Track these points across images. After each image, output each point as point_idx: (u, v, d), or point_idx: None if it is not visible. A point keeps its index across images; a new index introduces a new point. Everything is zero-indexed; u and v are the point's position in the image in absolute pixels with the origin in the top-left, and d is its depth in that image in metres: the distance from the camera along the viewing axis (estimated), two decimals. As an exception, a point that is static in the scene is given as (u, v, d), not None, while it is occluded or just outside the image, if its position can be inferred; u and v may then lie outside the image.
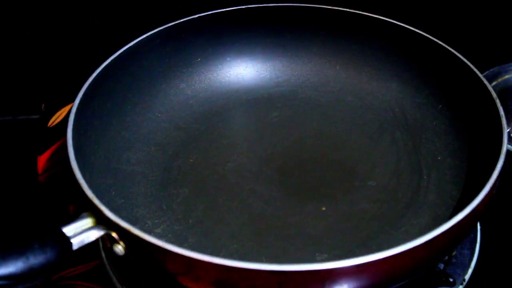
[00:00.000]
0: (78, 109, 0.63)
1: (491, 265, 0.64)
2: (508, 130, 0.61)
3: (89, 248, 0.53)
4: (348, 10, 0.76)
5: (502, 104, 0.62)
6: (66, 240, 0.52)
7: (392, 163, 0.70)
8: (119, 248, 0.53)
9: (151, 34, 0.73)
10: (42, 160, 0.76)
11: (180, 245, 0.61)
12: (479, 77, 0.66)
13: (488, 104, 0.63)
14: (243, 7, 0.77)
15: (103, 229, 0.53)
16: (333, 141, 0.72)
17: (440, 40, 0.71)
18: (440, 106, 0.72)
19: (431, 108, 0.73)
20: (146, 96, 0.74)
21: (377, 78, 0.78)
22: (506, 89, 0.66)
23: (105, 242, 0.54)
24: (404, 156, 0.70)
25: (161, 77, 0.76)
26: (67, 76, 0.88)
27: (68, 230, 0.52)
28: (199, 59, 0.78)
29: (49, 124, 0.81)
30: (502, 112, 0.62)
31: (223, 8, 0.76)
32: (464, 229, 0.58)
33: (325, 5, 0.76)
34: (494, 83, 0.66)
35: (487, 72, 0.67)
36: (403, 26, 0.74)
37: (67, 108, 0.82)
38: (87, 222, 0.53)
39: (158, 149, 0.71)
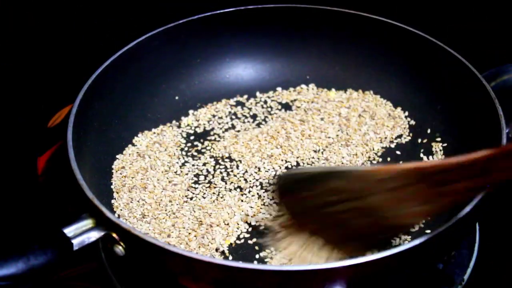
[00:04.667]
0: (78, 109, 0.63)
1: (489, 265, 0.65)
2: (507, 130, 0.61)
3: (89, 248, 0.54)
4: (347, 11, 0.76)
5: (501, 105, 0.62)
6: (67, 240, 0.52)
7: (391, 163, 0.70)
8: (120, 249, 0.54)
9: (151, 35, 0.74)
10: (42, 161, 0.76)
11: (180, 245, 0.61)
12: (478, 78, 0.66)
13: (487, 105, 0.63)
14: (242, 8, 0.77)
15: (103, 230, 0.53)
16: (332, 142, 0.72)
17: (440, 41, 0.71)
18: (439, 106, 0.73)
19: (430, 108, 0.73)
20: (146, 97, 0.75)
21: (376, 78, 0.78)
22: (505, 89, 0.66)
23: (105, 242, 0.54)
24: (403, 157, 0.70)
25: (161, 77, 0.76)
26: (67, 76, 0.88)
27: (68, 231, 0.52)
28: (198, 60, 0.78)
29: (49, 124, 0.81)
30: (501, 113, 0.62)
31: (223, 9, 0.76)
32: (463, 230, 0.58)
33: (324, 6, 0.77)
34: (493, 83, 0.66)
35: (486, 72, 0.67)
36: (402, 27, 0.74)
37: (67, 109, 0.82)
38: (88, 223, 0.53)
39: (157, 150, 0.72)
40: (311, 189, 0.53)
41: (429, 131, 0.72)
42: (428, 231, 0.62)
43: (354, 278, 0.52)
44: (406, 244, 0.51)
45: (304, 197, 0.54)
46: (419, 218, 0.52)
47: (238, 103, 0.78)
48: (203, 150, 0.72)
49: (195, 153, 0.72)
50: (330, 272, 0.50)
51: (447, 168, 0.47)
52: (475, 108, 0.66)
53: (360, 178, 0.51)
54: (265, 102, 0.78)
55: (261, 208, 0.65)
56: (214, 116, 0.76)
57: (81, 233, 0.53)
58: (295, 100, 0.78)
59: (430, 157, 0.70)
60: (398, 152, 0.71)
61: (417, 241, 0.51)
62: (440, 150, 0.70)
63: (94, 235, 0.53)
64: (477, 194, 0.49)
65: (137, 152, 0.70)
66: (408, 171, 0.48)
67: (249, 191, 0.67)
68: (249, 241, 0.62)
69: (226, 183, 0.68)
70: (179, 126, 0.75)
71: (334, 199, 0.52)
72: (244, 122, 0.76)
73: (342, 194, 0.51)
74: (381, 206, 0.50)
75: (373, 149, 0.71)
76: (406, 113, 0.75)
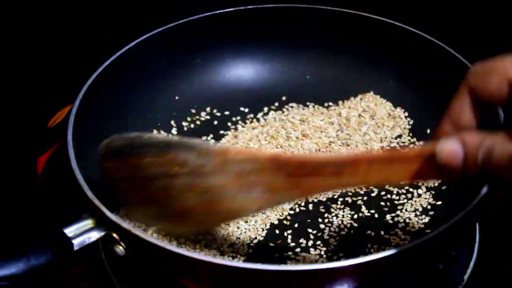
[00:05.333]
0: (78, 109, 0.63)
1: (490, 265, 0.65)
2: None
3: (89, 248, 0.54)
4: (347, 10, 0.76)
5: (501, 105, 0.62)
6: (67, 241, 0.52)
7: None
8: (120, 249, 0.54)
9: (151, 35, 0.74)
10: (42, 161, 0.76)
11: (180, 245, 0.61)
12: (478, 78, 0.66)
13: (487, 105, 0.63)
14: (242, 8, 0.77)
15: (103, 230, 0.53)
16: (332, 142, 0.72)
17: (440, 40, 0.71)
18: (439, 106, 0.73)
19: (430, 108, 0.73)
20: (146, 97, 0.75)
21: (377, 78, 0.78)
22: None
23: (106, 242, 0.54)
24: (404, 157, 0.70)
25: (161, 78, 0.76)
26: (67, 76, 0.88)
27: (69, 231, 0.52)
28: (198, 60, 0.78)
29: (49, 124, 0.81)
30: (501, 113, 0.62)
31: (222, 9, 0.77)
32: (463, 230, 0.58)
33: (324, 6, 0.77)
34: (493, 83, 0.66)
35: (486, 72, 0.68)
36: (402, 27, 0.74)
37: (67, 109, 0.82)
38: (88, 223, 0.53)
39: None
40: (147, 156, 0.49)
41: (429, 131, 0.72)
42: (428, 231, 0.62)
43: (354, 278, 0.52)
44: (406, 244, 0.51)
45: (134, 164, 0.50)
46: (260, 206, 0.50)
47: (238, 103, 0.78)
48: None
49: (195, 153, 0.72)
50: (330, 272, 0.50)
51: (304, 163, 0.47)
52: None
53: (206, 155, 0.48)
54: (266, 102, 0.78)
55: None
56: (214, 116, 0.76)
57: (82, 233, 0.53)
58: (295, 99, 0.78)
59: (430, 157, 0.70)
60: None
61: (417, 241, 0.51)
62: (440, 150, 0.70)
63: (95, 235, 0.53)
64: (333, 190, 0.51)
65: None
66: (265, 159, 0.48)
67: (249, 191, 0.67)
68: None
69: (226, 183, 0.68)
70: (179, 126, 0.75)
71: (171, 171, 0.49)
72: (244, 122, 0.76)
73: (181, 167, 0.48)
74: (223, 186, 0.48)
75: (373, 149, 0.71)
76: (406, 113, 0.75)
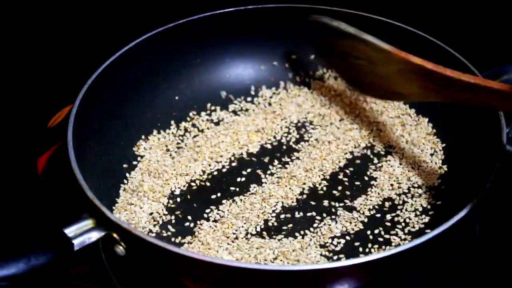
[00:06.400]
0: (78, 109, 0.63)
1: (490, 265, 0.65)
2: (507, 130, 0.61)
3: (89, 248, 0.54)
4: (347, 10, 0.76)
5: (501, 105, 0.62)
6: (67, 241, 0.52)
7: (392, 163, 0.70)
8: (120, 249, 0.54)
9: (151, 35, 0.74)
10: (42, 161, 0.76)
11: (180, 245, 0.61)
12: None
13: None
14: (242, 8, 0.77)
15: (103, 230, 0.54)
16: (333, 140, 0.72)
17: (440, 41, 0.71)
18: (438, 106, 0.73)
19: (430, 108, 0.73)
20: (146, 97, 0.74)
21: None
22: (505, 89, 0.66)
23: (106, 242, 0.54)
24: (403, 155, 0.70)
25: (161, 77, 0.76)
26: (67, 76, 0.88)
27: (69, 231, 0.53)
28: (198, 60, 0.78)
29: (49, 124, 0.81)
30: (501, 112, 0.62)
31: (223, 9, 0.77)
32: (462, 230, 0.58)
33: (324, 5, 0.76)
34: (493, 83, 0.66)
35: (486, 72, 0.67)
36: (402, 27, 0.74)
37: (67, 109, 0.82)
38: (88, 223, 0.53)
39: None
40: (345, 40, 0.68)
41: (428, 131, 0.72)
42: (428, 231, 0.62)
43: (355, 278, 0.52)
44: (407, 244, 0.51)
45: (338, 43, 0.69)
46: (410, 96, 0.65)
47: (238, 103, 0.78)
48: (203, 150, 0.72)
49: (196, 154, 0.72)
50: (331, 272, 0.51)
51: (448, 77, 0.58)
52: (475, 108, 0.66)
53: (382, 52, 0.64)
54: (266, 102, 0.78)
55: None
56: (214, 116, 0.76)
57: (82, 233, 0.53)
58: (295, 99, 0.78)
59: (430, 156, 0.70)
60: (397, 151, 0.71)
61: (417, 241, 0.51)
62: (440, 150, 0.70)
63: (95, 235, 0.53)
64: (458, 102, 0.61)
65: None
66: (420, 68, 0.60)
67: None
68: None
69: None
70: (179, 126, 0.75)
71: (358, 55, 0.67)
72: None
73: (364, 55, 0.66)
74: (388, 75, 0.64)
75: (374, 148, 0.71)
76: (406, 113, 0.75)
